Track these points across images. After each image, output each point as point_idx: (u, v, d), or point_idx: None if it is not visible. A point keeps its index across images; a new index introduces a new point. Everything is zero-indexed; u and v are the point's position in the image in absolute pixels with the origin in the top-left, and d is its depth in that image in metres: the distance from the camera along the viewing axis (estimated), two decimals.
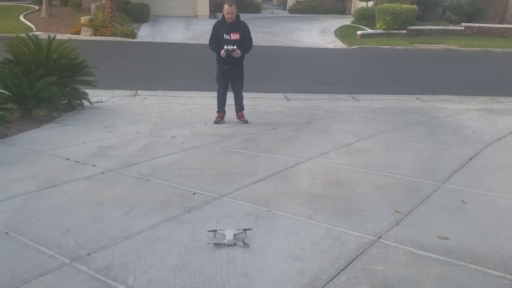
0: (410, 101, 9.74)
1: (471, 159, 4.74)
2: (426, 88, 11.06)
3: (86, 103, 7.55)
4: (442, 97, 10.13)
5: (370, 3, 24.05)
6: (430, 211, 3.33)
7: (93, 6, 20.77)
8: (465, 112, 8.03)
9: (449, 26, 22.61)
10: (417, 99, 10.01)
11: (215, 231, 2.86)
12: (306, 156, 4.80)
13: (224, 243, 2.73)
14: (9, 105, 5.84)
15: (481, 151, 5.09)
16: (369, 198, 3.58)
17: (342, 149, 5.18)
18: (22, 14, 20.59)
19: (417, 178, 4.07)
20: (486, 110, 8.31)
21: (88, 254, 2.63)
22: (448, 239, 2.86)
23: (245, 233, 2.83)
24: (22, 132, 5.86)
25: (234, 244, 2.72)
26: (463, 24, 22.58)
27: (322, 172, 4.27)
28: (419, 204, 3.44)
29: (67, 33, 17.65)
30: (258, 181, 3.97)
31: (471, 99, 9.94)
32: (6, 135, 5.58)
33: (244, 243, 2.74)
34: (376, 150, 5.15)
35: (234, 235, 2.78)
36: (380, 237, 2.87)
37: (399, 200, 3.54)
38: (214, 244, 2.74)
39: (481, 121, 7.15)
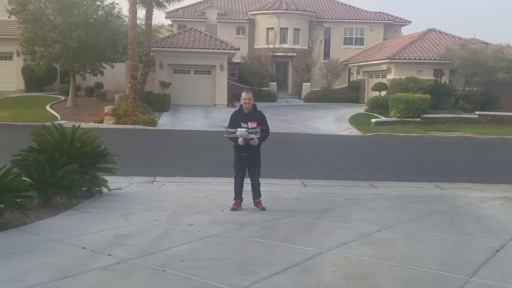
0: (429, 189, 9.62)
1: (498, 250, 4.55)
2: (445, 176, 10.97)
3: (105, 190, 7.63)
4: (462, 185, 9.99)
5: (383, 93, 24.79)
6: None
7: (117, 96, 21.81)
8: (487, 200, 7.86)
9: (463, 114, 22.98)
10: (436, 186, 9.88)
11: (225, 127, 2.97)
12: (327, 247, 4.66)
13: (236, 134, 2.79)
14: (30, 193, 5.92)
15: (508, 242, 4.89)
16: None
17: (363, 239, 5.04)
18: (49, 104, 21.63)
19: (443, 272, 3.90)
20: (508, 199, 8.13)
21: None
22: None
23: (259, 130, 2.89)
24: (41, 219, 5.87)
25: (248, 135, 2.75)
26: (476, 112, 22.95)
27: (343, 263, 4.12)
28: None
29: (91, 121, 18.40)
30: (277, 273, 3.84)
31: (491, 187, 9.79)
32: (25, 223, 5.60)
33: (256, 133, 2.76)
34: (399, 240, 5.00)
35: (247, 129, 2.83)
36: None
37: None
38: (225, 134, 2.79)
39: (504, 210, 6.98)
